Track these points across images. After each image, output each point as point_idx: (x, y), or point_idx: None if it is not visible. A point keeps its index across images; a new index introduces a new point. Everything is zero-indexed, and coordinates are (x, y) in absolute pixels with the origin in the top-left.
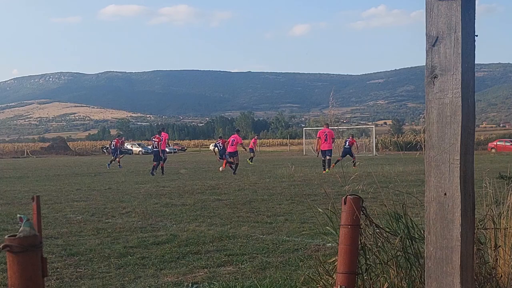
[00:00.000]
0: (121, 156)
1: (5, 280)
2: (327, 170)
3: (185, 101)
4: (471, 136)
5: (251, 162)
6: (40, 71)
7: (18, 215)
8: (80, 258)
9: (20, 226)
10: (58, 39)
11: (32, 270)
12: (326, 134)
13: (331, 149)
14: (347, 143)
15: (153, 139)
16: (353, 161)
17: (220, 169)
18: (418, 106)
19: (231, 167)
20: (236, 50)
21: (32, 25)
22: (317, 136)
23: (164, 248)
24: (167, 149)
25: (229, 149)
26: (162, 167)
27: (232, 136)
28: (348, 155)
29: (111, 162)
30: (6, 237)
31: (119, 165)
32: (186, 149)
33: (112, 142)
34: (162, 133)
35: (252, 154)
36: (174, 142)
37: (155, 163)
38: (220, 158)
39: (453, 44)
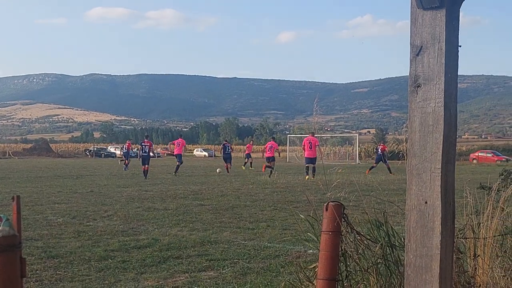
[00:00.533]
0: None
1: None
2: (309, 177)
3: (170, 105)
4: (452, 145)
5: (251, 167)
6: (24, 72)
7: None
8: (60, 261)
9: None
10: (43, 40)
11: (11, 270)
12: (311, 142)
13: (315, 157)
14: (379, 149)
15: (143, 144)
16: (388, 168)
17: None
18: (402, 116)
19: (268, 167)
20: (222, 55)
21: (16, 26)
22: (302, 144)
23: (145, 252)
24: (151, 154)
25: (267, 155)
26: (146, 171)
27: (269, 142)
28: (381, 162)
29: (127, 165)
30: None
31: (125, 167)
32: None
33: (124, 146)
34: (180, 139)
35: (248, 159)
36: (163, 147)
37: (147, 166)
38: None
39: (436, 54)
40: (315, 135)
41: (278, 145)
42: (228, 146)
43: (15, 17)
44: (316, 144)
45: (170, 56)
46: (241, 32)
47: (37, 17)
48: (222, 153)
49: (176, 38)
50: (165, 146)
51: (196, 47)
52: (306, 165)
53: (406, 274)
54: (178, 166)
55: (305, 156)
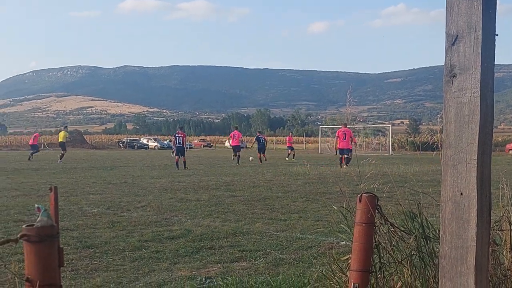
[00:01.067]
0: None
1: (22, 269)
2: (344, 167)
3: (202, 97)
4: (489, 136)
5: (293, 158)
6: (58, 64)
7: (36, 205)
8: (95, 251)
9: (38, 216)
10: (77, 33)
11: (49, 259)
12: (345, 133)
13: (350, 148)
14: None
15: (177, 135)
16: None
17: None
18: (436, 106)
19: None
20: (253, 46)
21: (50, 19)
22: (336, 135)
23: (178, 243)
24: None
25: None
26: (184, 162)
27: (343, 130)
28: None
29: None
30: (23, 226)
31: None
32: (212, 145)
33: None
34: (235, 131)
35: (291, 151)
36: (200, 138)
37: (183, 157)
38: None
39: (473, 43)
40: (347, 126)
41: (293, 137)
42: (261, 138)
43: (49, 10)
44: (350, 136)
45: (202, 47)
46: (273, 22)
47: (71, 10)
48: (257, 144)
49: (207, 30)
50: (201, 138)
51: (228, 38)
52: (340, 156)
53: (441, 266)
54: (238, 156)
55: (338, 147)
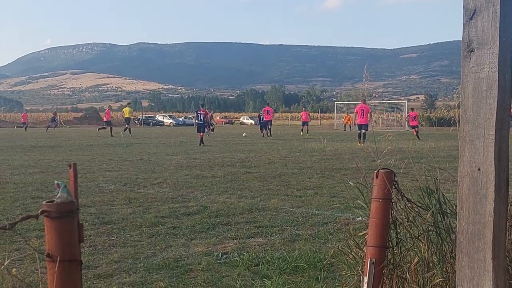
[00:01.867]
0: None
1: (41, 245)
2: (361, 144)
3: (216, 73)
4: (507, 111)
5: (307, 133)
6: (73, 42)
7: (55, 182)
8: (112, 227)
9: (57, 193)
10: (91, 10)
11: (69, 235)
12: (363, 109)
13: (367, 124)
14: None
15: (199, 112)
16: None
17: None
18: (452, 82)
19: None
20: (268, 22)
21: None
22: (355, 111)
23: (194, 219)
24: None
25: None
26: (201, 138)
27: (361, 107)
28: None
29: (208, 132)
30: (43, 202)
31: (208, 134)
32: (233, 122)
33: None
34: (267, 107)
35: (304, 126)
36: (223, 115)
37: (202, 134)
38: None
39: (491, 18)
40: (366, 103)
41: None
42: (262, 116)
43: None
44: (369, 112)
45: (216, 23)
46: None
47: None
48: (258, 121)
49: (222, 6)
50: (224, 114)
51: (242, 14)
52: (358, 131)
53: (458, 242)
54: (269, 129)
55: (357, 122)
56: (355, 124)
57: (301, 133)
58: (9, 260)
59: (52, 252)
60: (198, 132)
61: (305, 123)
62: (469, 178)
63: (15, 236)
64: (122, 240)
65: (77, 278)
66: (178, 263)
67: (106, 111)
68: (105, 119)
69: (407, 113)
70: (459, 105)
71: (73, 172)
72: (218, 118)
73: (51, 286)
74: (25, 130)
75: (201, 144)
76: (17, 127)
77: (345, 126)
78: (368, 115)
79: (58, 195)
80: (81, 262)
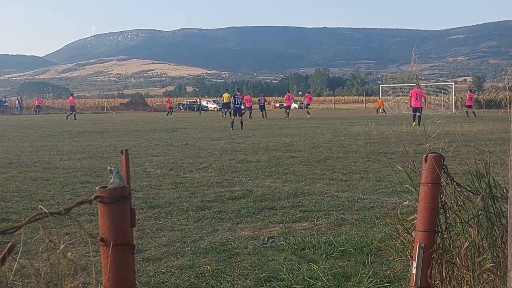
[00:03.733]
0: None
1: (94, 230)
2: (414, 125)
3: (260, 58)
4: None
5: (309, 115)
6: (118, 28)
7: (108, 167)
8: (160, 211)
9: (110, 178)
10: None
11: (122, 220)
12: (417, 93)
13: (422, 107)
14: None
15: (236, 96)
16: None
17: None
18: (501, 63)
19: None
20: (311, 5)
21: None
22: (409, 95)
23: (240, 203)
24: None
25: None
26: (241, 122)
27: (416, 91)
28: None
29: (263, 116)
30: (97, 188)
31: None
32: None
33: (260, 100)
34: (307, 94)
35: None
36: (274, 99)
37: (240, 118)
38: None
39: None
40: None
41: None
42: (262, 100)
43: None
44: (423, 96)
45: (259, 7)
46: None
47: None
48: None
49: None
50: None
51: None
52: (413, 114)
53: (509, 226)
54: (287, 113)
55: (412, 106)
56: (411, 107)
57: (308, 116)
58: (64, 244)
59: (106, 237)
60: (233, 115)
61: (307, 105)
62: None
63: (66, 220)
64: (170, 224)
65: (130, 261)
66: (224, 247)
67: (167, 99)
68: (168, 106)
69: (467, 93)
70: (509, 87)
71: (125, 158)
72: (272, 102)
73: (105, 269)
74: (75, 118)
75: (233, 128)
76: (68, 117)
77: (377, 110)
78: (422, 98)
79: (111, 180)
80: (134, 246)
